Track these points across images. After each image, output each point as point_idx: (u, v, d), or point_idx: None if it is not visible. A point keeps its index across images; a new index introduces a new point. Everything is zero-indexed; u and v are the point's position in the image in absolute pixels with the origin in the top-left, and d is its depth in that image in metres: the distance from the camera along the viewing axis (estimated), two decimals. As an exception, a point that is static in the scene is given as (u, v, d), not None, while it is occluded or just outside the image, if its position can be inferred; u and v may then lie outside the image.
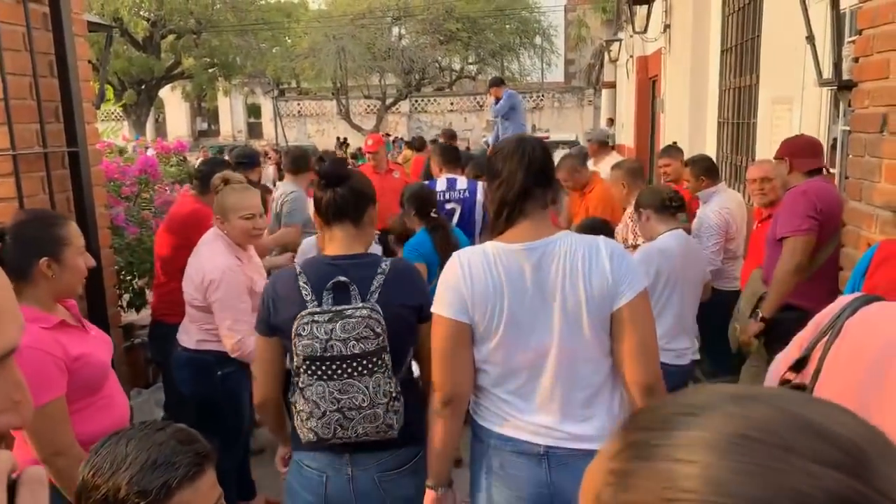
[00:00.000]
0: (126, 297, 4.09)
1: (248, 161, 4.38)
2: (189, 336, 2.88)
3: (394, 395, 1.77)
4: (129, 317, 4.34)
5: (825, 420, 0.40)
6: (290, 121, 29.73)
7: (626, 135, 12.81)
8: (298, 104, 30.09)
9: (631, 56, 11.55)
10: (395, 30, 26.39)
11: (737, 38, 5.87)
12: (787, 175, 3.18)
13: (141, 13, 20.14)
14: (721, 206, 3.92)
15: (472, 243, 3.99)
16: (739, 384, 0.52)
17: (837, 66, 2.94)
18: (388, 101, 25.85)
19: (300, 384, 1.77)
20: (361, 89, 25.99)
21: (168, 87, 24.52)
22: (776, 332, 2.88)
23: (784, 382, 1.48)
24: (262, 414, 1.99)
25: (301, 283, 1.78)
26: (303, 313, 1.72)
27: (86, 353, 1.88)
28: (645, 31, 8.75)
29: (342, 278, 1.76)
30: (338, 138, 24.42)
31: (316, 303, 1.74)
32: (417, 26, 25.74)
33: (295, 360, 1.76)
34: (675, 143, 5.44)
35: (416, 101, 28.38)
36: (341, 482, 1.83)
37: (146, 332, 4.17)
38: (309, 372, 1.74)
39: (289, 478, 1.94)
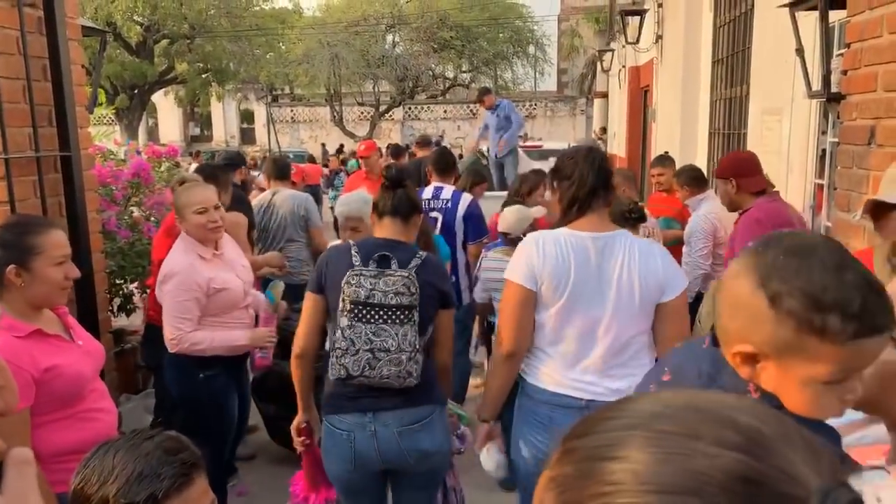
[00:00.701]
0: (117, 301, 4.07)
1: (231, 163, 4.42)
2: None
3: (417, 347, 2.10)
4: (120, 321, 4.32)
5: (732, 411, 0.45)
6: (284, 127, 29.71)
7: (618, 144, 12.88)
8: (292, 110, 30.10)
9: (623, 66, 11.62)
10: (390, 37, 26.47)
11: (728, 50, 5.94)
12: (734, 195, 3.21)
13: (135, 18, 20.10)
14: (709, 212, 3.96)
15: (454, 254, 4.01)
16: (662, 391, 0.54)
17: (826, 78, 2.98)
18: (382, 108, 25.89)
19: (342, 325, 2.09)
20: (355, 96, 26.02)
21: (161, 92, 24.47)
22: None
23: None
24: (298, 366, 2.28)
25: (353, 252, 2.16)
26: (354, 269, 2.10)
27: (59, 364, 1.85)
28: (637, 41, 8.82)
29: (386, 252, 2.15)
30: (322, 144, 24.41)
31: (363, 265, 2.12)
32: (411, 34, 25.82)
33: (340, 305, 2.09)
34: (666, 152, 5.48)
35: (410, 108, 28.45)
36: (366, 438, 2.15)
37: (136, 336, 4.16)
38: (351, 315, 2.08)
39: (323, 441, 2.27)
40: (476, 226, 4.10)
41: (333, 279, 2.15)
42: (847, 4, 2.73)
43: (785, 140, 4.38)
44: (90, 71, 4.15)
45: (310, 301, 2.22)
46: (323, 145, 24.36)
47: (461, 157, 15.72)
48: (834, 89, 2.99)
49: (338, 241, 3.20)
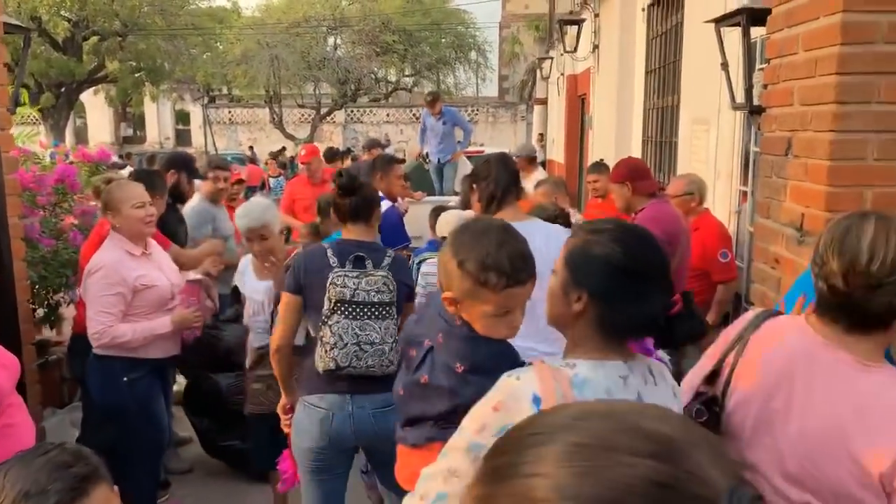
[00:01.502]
0: (40, 311, 3.88)
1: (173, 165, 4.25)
2: None
3: (395, 338, 2.30)
4: (52, 332, 4.13)
5: (646, 421, 0.47)
6: (221, 128, 28.99)
7: (556, 151, 13.14)
8: (230, 112, 29.40)
9: (562, 74, 11.89)
10: (331, 39, 26.23)
11: (660, 61, 6.16)
12: (629, 196, 3.48)
13: (62, 13, 19.23)
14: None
15: None
16: (581, 402, 0.62)
17: (749, 91, 3.13)
18: (323, 110, 25.61)
19: (330, 322, 2.30)
20: (295, 98, 25.65)
21: (90, 91, 23.48)
22: None
23: (699, 394, 1.58)
24: (276, 359, 2.45)
25: (329, 255, 2.37)
26: (337, 271, 2.32)
27: None
28: (575, 50, 9.04)
29: (361, 254, 2.38)
30: (250, 147, 23.83)
31: (341, 267, 2.34)
32: (353, 37, 25.67)
33: (327, 304, 2.30)
34: (601, 159, 5.64)
35: (352, 111, 28.25)
36: (343, 418, 2.36)
37: (62, 348, 3.98)
38: (339, 312, 2.30)
39: (297, 416, 2.46)
40: (392, 233, 3.90)
41: (312, 280, 2.35)
42: (767, 22, 2.88)
43: (712, 149, 4.57)
44: (12, 68, 3.95)
45: (288, 300, 2.40)
46: (251, 148, 23.68)
47: (403, 161, 15.62)
48: (756, 102, 3.15)
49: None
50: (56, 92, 20.26)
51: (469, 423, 1.29)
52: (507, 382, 1.27)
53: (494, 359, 1.56)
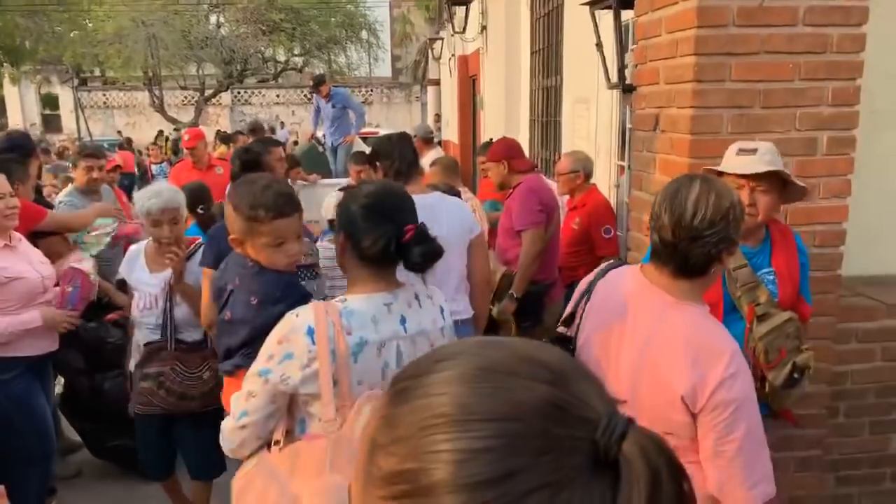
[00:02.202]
0: None
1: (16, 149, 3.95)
2: None
3: None
4: None
5: (541, 354, 0.54)
6: (96, 112, 26.96)
7: (451, 131, 13.28)
8: (104, 95, 27.40)
9: (453, 55, 11.98)
10: (213, 17, 24.95)
11: (543, 42, 6.36)
12: (505, 174, 3.75)
13: None
14: None
15: None
16: (481, 337, 0.83)
17: (621, 71, 3.33)
18: (208, 92, 24.43)
19: None
20: (177, 80, 24.29)
21: (-61, 72, 21.18)
22: (525, 305, 3.67)
23: (557, 335, 1.85)
24: (211, 330, 2.45)
25: None
26: None
27: None
28: (464, 31, 9.14)
29: None
30: (118, 132, 22.38)
31: None
32: (237, 15, 24.54)
33: None
34: (490, 139, 5.79)
35: (239, 92, 27.13)
36: None
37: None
38: None
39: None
40: None
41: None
42: (634, 5, 3.07)
43: (593, 127, 4.81)
44: None
45: (210, 275, 2.40)
46: (119, 133, 22.20)
47: (296, 143, 15.28)
48: (629, 81, 3.35)
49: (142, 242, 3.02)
50: None
51: (261, 353, 1.56)
52: (289, 319, 1.55)
53: (282, 289, 1.93)
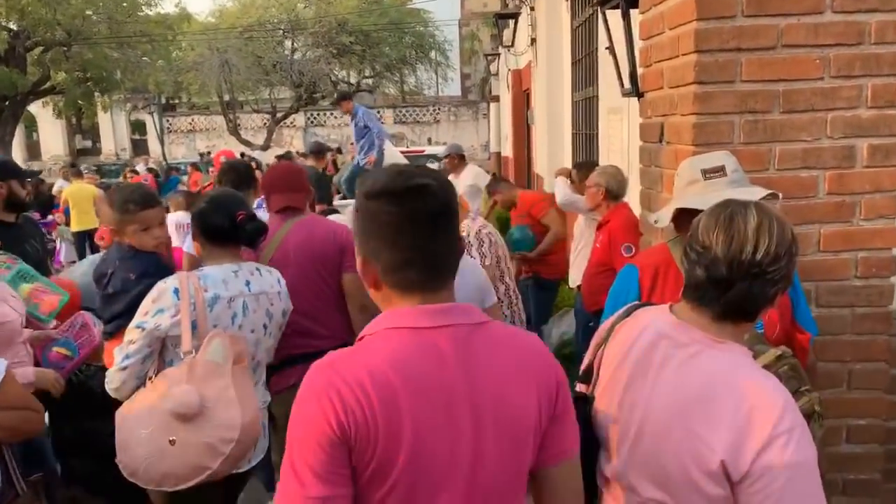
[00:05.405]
0: None
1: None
2: None
3: None
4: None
5: None
6: (180, 137, 28.38)
7: (508, 146, 12.99)
8: (190, 119, 28.83)
9: (509, 69, 11.73)
10: (288, 43, 25.79)
11: (583, 51, 5.99)
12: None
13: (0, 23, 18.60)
14: None
15: None
16: None
17: (633, 76, 2.95)
18: (279, 114, 25.19)
19: None
20: (251, 104, 25.21)
21: (39, 103, 22.76)
22: None
23: (576, 395, 1.48)
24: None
25: None
26: None
27: None
28: (512, 44, 8.87)
29: None
30: (200, 153, 23.08)
31: None
32: (309, 39, 25.26)
33: None
34: (494, 173, 5.63)
35: (313, 114, 27.84)
36: None
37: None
38: None
39: None
40: None
41: None
42: (639, 3, 2.70)
43: (625, 139, 4.41)
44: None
45: None
46: (200, 154, 22.83)
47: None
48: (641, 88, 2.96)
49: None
50: (0, 105, 19.58)
51: (138, 312, 2.10)
52: (160, 284, 2.11)
53: (153, 266, 2.47)
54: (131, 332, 2.07)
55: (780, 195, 1.91)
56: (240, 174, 3.27)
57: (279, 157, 10.10)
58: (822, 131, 2.19)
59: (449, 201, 1.12)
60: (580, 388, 1.52)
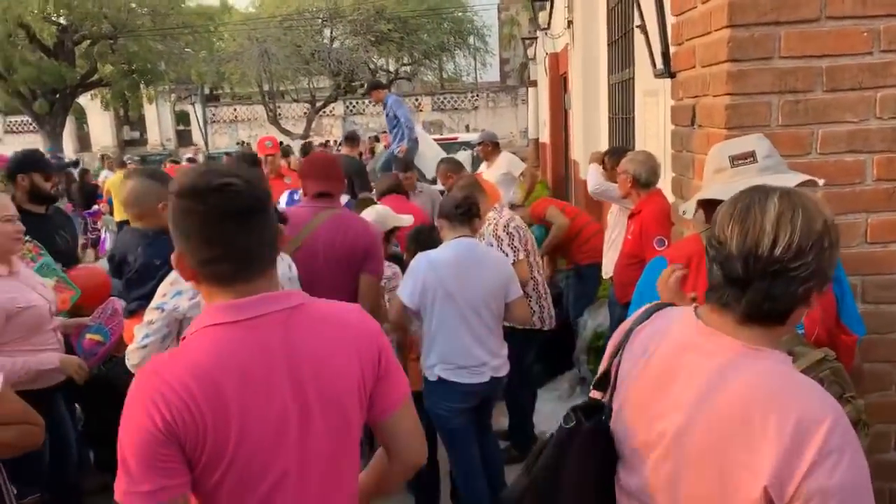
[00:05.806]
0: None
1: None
2: None
3: None
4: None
5: None
6: (223, 127, 28.85)
7: (545, 132, 12.74)
8: (233, 109, 29.26)
9: (546, 53, 11.45)
10: (326, 31, 25.87)
11: (619, 32, 5.76)
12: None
13: (50, 18, 19.13)
14: None
15: None
16: None
17: (665, 55, 2.78)
18: (318, 103, 25.32)
19: None
20: (291, 93, 25.41)
21: (87, 95, 23.43)
22: None
23: (590, 402, 1.38)
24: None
25: None
26: None
27: None
28: (548, 27, 8.64)
29: None
30: (239, 143, 23.34)
31: None
32: (347, 27, 25.29)
33: None
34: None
35: (351, 103, 27.92)
36: None
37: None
38: None
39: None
40: None
41: None
42: (670, -26, 2.53)
43: (661, 122, 4.20)
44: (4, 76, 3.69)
45: None
46: (239, 143, 23.00)
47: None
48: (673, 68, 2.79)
49: None
50: (50, 98, 20.21)
51: (156, 295, 2.18)
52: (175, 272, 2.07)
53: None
54: (151, 313, 2.15)
55: (822, 182, 1.74)
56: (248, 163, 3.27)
57: (304, 147, 10.24)
58: (870, 111, 2.01)
59: (257, 198, 1.19)
60: (594, 394, 1.39)
